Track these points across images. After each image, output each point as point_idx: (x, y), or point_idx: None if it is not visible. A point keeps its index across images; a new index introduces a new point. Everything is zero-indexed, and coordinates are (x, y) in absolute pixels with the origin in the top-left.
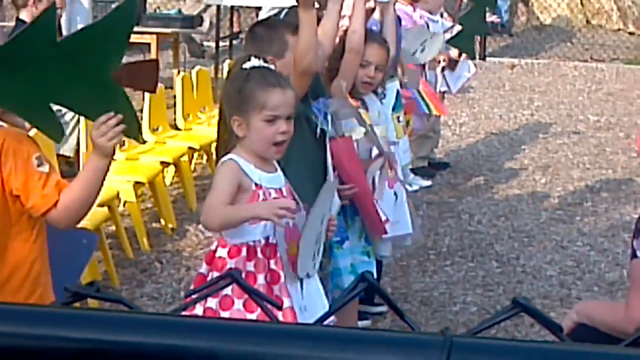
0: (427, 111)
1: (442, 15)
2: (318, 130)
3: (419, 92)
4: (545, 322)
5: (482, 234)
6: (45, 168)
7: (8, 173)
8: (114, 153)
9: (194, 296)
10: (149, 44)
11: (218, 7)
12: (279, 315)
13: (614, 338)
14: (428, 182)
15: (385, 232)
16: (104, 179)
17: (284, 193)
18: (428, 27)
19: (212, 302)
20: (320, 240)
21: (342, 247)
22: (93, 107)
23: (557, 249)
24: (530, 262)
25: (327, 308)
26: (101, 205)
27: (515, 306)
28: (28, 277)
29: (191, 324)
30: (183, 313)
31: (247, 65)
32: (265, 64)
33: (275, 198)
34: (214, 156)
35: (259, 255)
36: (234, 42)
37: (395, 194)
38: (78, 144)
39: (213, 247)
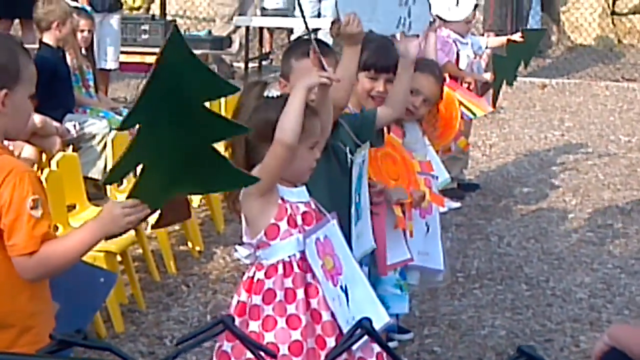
0: (471, 116)
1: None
2: (349, 159)
3: (458, 101)
4: None
5: (511, 256)
6: (38, 213)
7: (1, 205)
8: (114, 236)
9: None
10: None
11: (247, 28)
12: (318, 329)
13: None
14: (457, 204)
15: (385, 274)
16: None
17: (312, 206)
18: (457, 47)
19: (254, 325)
20: None
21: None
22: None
23: (587, 272)
24: (560, 285)
25: (383, 317)
26: None
27: (521, 355)
28: (20, 313)
29: None
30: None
31: (271, 94)
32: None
33: (305, 212)
34: None
35: (296, 269)
36: (263, 62)
37: (427, 224)
38: (106, 167)
39: (250, 274)
